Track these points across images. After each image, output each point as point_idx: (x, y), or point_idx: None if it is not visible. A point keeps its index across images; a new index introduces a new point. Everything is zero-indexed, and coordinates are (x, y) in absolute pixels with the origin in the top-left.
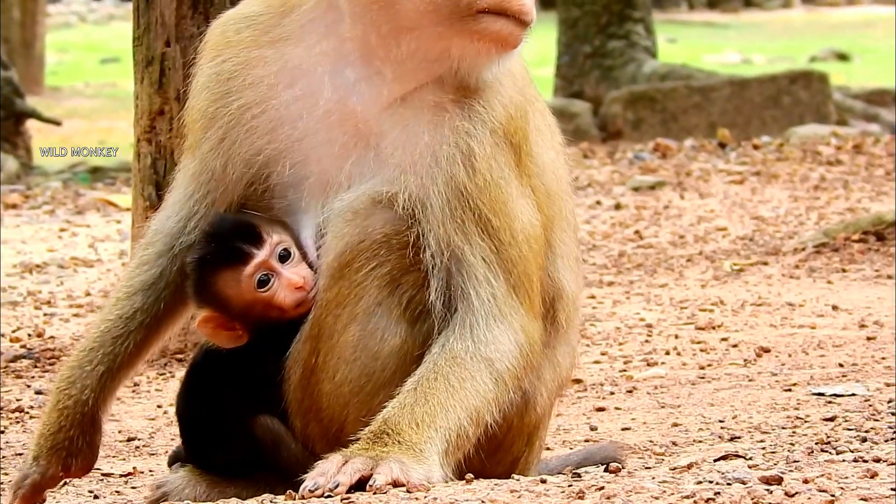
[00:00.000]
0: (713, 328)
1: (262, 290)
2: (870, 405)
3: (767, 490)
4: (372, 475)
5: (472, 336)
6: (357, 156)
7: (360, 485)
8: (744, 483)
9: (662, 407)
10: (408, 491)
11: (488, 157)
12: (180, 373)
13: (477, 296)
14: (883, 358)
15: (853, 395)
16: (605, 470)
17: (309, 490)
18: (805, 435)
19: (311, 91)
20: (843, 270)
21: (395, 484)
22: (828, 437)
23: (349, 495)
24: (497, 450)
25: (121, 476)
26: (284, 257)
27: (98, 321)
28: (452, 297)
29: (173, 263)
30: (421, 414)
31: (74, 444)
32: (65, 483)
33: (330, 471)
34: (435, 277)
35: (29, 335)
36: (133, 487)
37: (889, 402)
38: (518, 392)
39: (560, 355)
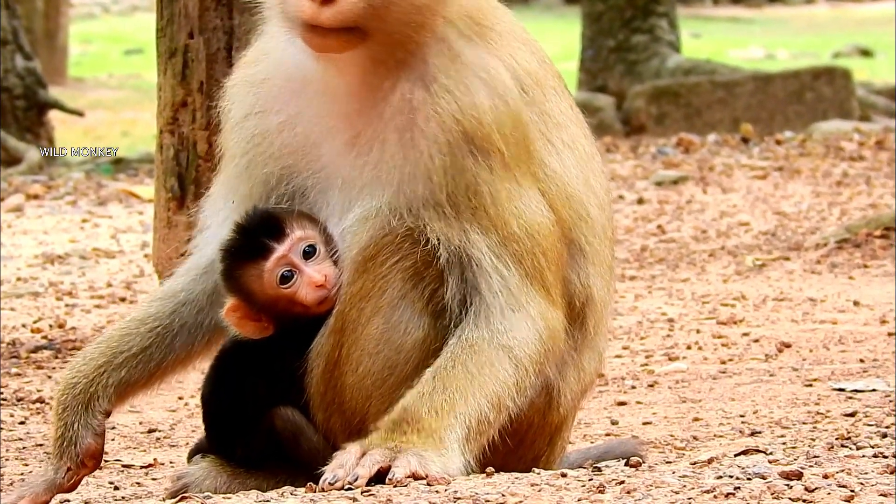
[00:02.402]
0: (735, 323)
1: (284, 286)
2: (890, 401)
3: (787, 485)
4: (391, 467)
5: (488, 325)
6: (369, 164)
7: (380, 477)
8: (764, 478)
9: (683, 401)
10: (428, 484)
11: (453, 159)
12: (202, 365)
13: (489, 287)
14: None
15: (874, 390)
16: (626, 464)
17: (329, 483)
18: (825, 430)
19: (292, 106)
20: (865, 266)
21: (415, 477)
22: (848, 432)
23: (369, 488)
24: (518, 447)
25: (141, 467)
26: (309, 254)
27: (116, 322)
28: (467, 293)
29: (197, 282)
30: (440, 401)
31: (72, 429)
32: (77, 482)
33: (348, 463)
34: (450, 275)
35: (50, 326)
36: (153, 479)
37: None
38: (541, 378)
39: (586, 360)
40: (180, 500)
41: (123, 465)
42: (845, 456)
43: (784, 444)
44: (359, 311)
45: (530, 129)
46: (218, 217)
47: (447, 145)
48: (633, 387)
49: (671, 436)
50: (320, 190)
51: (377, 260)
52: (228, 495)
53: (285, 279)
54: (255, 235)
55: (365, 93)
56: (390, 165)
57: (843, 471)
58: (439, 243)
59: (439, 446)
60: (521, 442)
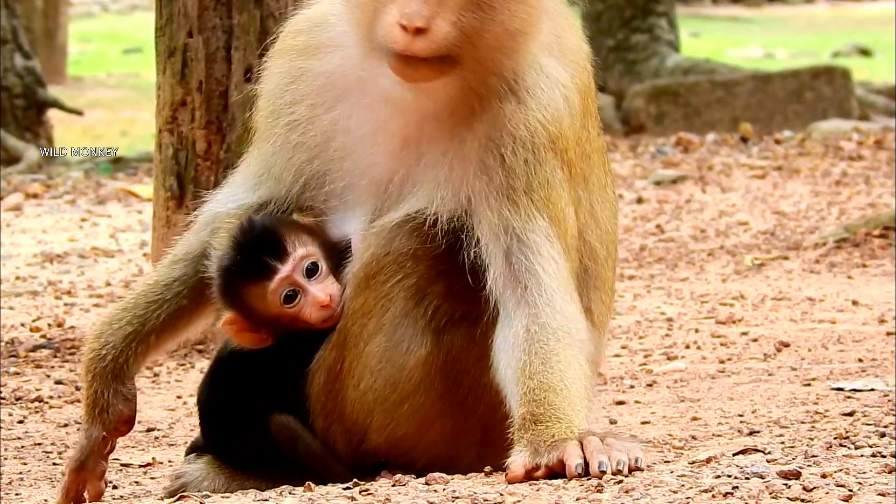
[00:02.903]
0: (733, 322)
1: (288, 305)
2: (889, 400)
3: (785, 485)
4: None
5: (557, 310)
6: (406, 163)
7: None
8: (762, 477)
9: (682, 401)
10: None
11: (535, 155)
12: (201, 364)
13: (544, 270)
14: None
15: (872, 390)
16: None
17: (601, 470)
18: (824, 430)
19: (353, 105)
20: (864, 265)
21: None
22: (846, 431)
23: (368, 487)
24: None
25: (140, 467)
26: (312, 271)
27: (139, 284)
28: (515, 277)
29: (214, 235)
30: (571, 399)
31: (102, 397)
32: (113, 446)
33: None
34: (492, 264)
35: (49, 325)
36: (152, 478)
37: None
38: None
39: None
40: (179, 500)
41: (122, 465)
42: (844, 455)
43: (782, 443)
44: (361, 327)
45: (578, 151)
46: (239, 180)
47: (531, 142)
48: (632, 386)
49: (670, 435)
50: (360, 195)
51: (379, 277)
52: (227, 494)
53: (289, 299)
54: (256, 254)
55: (448, 114)
56: (465, 162)
57: (841, 470)
58: (483, 234)
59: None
60: None
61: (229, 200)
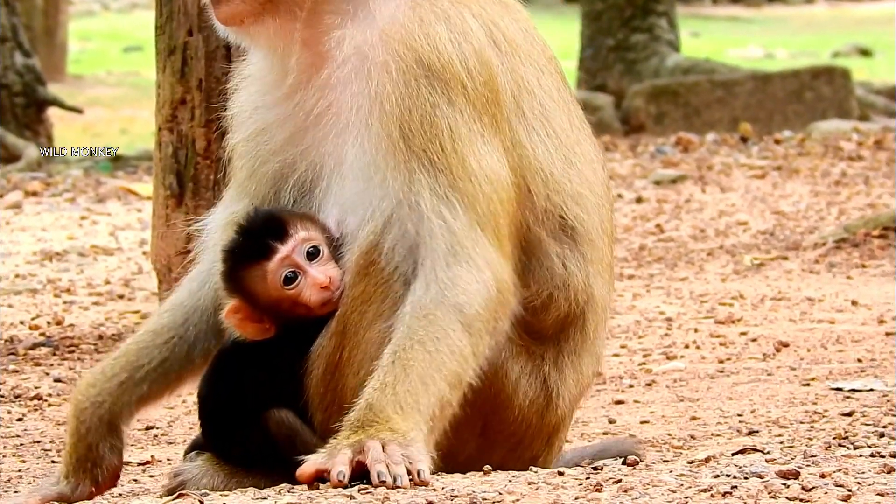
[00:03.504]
0: (733, 322)
1: (288, 287)
2: (888, 400)
3: (784, 484)
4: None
5: (435, 280)
6: (337, 130)
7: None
8: (761, 477)
9: (681, 400)
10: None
11: (420, 87)
12: None
13: (430, 233)
14: None
15: (871, 390)
16: (623, 463)
17: (381, 480)
18: (823, 429)
19: (271, 92)
20: (863, 266)
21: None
22: (845, 431)
23: (366, 486)
24: (516, 447)
25: (139, 465)
26: (313, 255)
27: (133, 334)
28: (411, 246)
29: (203, 287)
30: (403, 394)
31: (96, 450)
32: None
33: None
34: (391, 230)
35: (48, 323)
36: (151, 476)
37: None
38: (496, 337)
39: (584, 364)
40: (177, 498)
41: None
42: (843, 455)
43: (781, 443)
44: (360, 314)
45: (499, 78)
46: (221, 221)
47: (398, 71)
48: (631, 385)
49: (669, 435)
50: (316, 178)
51: (379, 264)
52: (225, 492)
53: (289, 280)
54: (258, 236)
55: (313, 56)
56: (353, 107)
57: (840, 470)
58: (387, 195)
59: (406, 443)
60: (520, 442)
61: (213, 249)
